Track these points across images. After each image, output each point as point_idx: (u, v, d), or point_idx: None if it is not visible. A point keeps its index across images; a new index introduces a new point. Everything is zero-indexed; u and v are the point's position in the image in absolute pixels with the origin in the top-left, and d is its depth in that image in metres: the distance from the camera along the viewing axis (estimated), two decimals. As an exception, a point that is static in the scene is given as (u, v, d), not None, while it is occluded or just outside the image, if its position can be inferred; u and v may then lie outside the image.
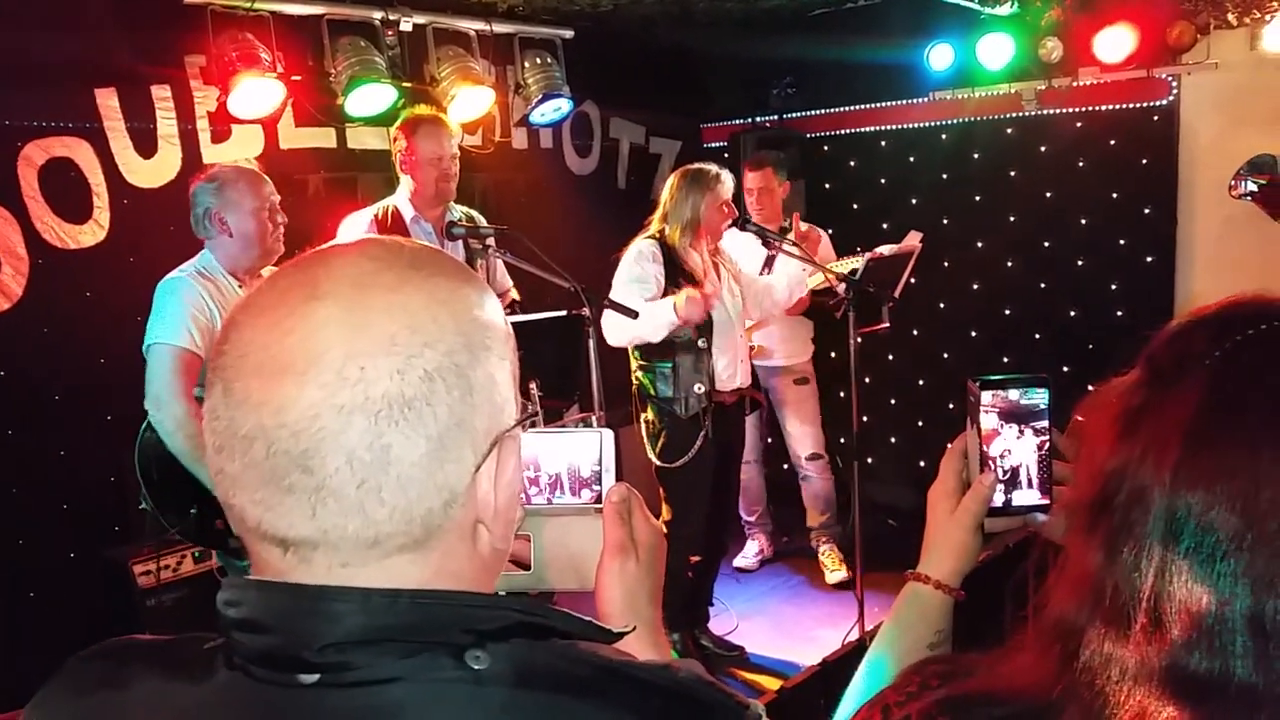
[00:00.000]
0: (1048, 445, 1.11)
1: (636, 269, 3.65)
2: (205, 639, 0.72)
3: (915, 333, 5.44)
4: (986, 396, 1.11)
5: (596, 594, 0.95)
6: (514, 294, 3.82)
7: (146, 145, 3.93)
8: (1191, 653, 0.69)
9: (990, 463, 1.11)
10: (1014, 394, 1.10)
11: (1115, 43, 4.58)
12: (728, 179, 3.76)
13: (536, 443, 1.04)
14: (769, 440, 5.11)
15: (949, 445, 1.17)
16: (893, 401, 5.63)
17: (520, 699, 0.65)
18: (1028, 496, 1.11)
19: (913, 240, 4.08)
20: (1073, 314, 5.08)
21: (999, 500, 1.11)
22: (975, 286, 5.34)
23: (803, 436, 4.80)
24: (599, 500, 1.03)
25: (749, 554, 5.02)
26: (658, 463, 3.75)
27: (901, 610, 1.14)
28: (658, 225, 3.74)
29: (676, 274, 3.66)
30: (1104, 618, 0.74)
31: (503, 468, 0.72)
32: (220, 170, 3.10)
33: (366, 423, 0.64)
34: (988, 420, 1.11)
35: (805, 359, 4.85)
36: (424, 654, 0.65)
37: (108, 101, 3.81)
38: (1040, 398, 1.10)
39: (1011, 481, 1.11)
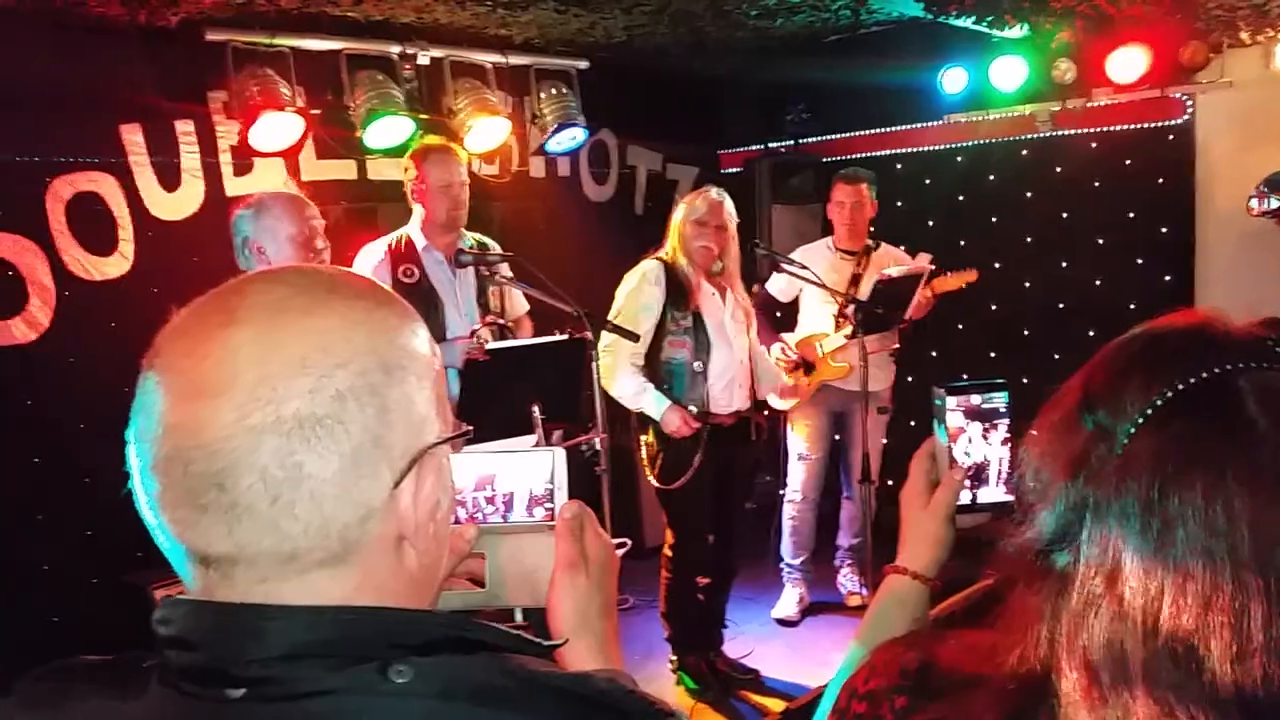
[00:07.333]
0: (1009, 444, 1.17)
1: (637, 294, 3.72)
2: (145, 657, 0.75)
3: (933, 355, 5.42)
4: (951, 401, 1.18)
5: (548, 609, 0.97)
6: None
7: (170, 179, 4.03)
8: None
9: (957, 461, 1.17)
10: (976, 398, 1.18)
11: (1128, 63, 4.57)
12: (702, 199, 3.76)
13: (491, 462, 1.07)
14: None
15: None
16: (912, 424, 5.59)
17: (440, 711, 0.67)
18: (993, 493, 1.18)
19: (922, 262, 4.09)
20: (1091, 334, 5.03)
21: (966, 498, 1.18)
22: (993, 307, 5.32)
23: (862, 460, 4.66)
24: (553, 518, 1.05)
25: (790, 603, 4.67)
26: (656, 484, 3.79)
27: (881, 601, 1.20)
28: (666, 248, 3.83)
29: (678, 295, 3.71)
30: (1049, 591, 0.76)
31: (422, 484, 0.74)
32: (260, 196, 3.03)
33: (278, 441, 0.66)
34: (953, 423, 1.18)
35: (887, 385, 4.66)
36: (349, 669, 0.67)
37: (132, 137, 3.93)
38: (1000, 400, 1.18)
39: (977, 479, 1.18)
